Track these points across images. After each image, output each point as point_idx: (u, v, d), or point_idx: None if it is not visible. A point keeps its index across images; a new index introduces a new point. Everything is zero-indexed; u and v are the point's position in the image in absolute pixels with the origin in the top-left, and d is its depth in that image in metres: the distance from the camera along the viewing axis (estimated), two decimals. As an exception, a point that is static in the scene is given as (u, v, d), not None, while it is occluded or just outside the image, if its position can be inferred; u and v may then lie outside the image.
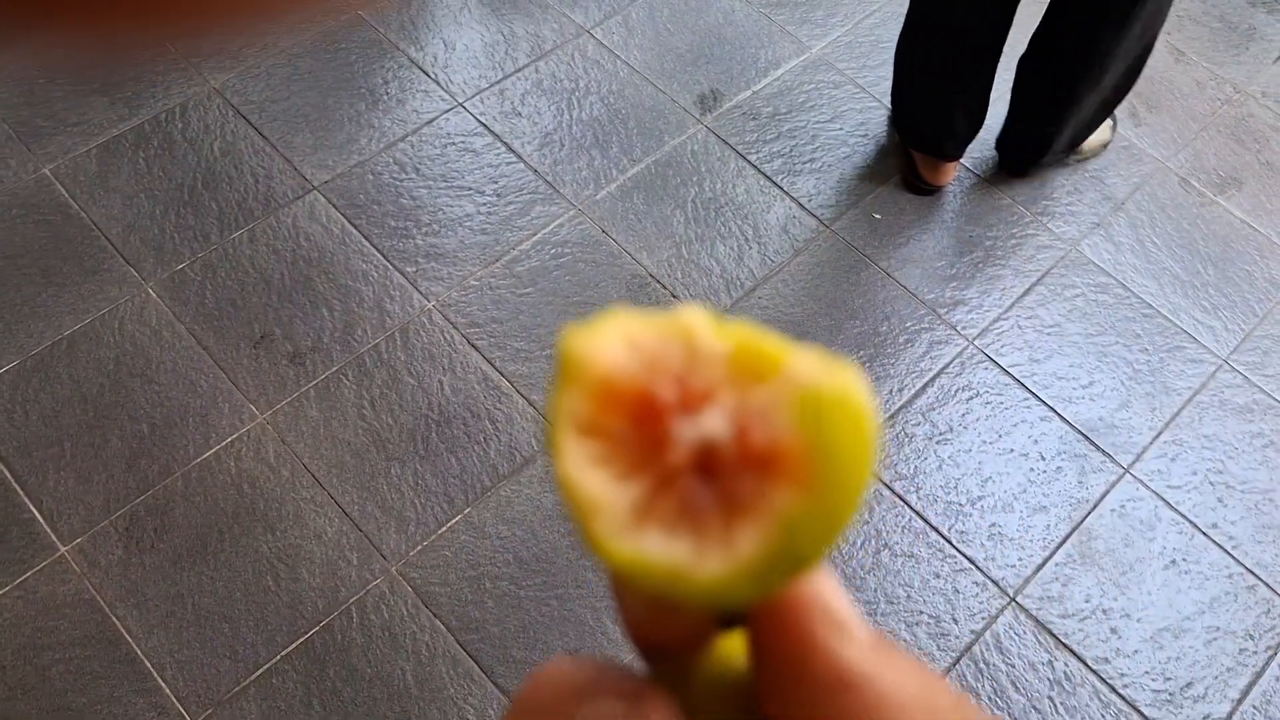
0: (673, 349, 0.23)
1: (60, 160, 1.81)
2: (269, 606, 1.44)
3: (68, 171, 1.80)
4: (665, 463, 0.22)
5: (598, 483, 0.22)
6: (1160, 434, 1.72)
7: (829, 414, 0.21)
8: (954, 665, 1.49)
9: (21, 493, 1.49)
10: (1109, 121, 1.98)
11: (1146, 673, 1.50)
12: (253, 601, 1.43)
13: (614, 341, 0.24)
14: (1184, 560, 1.60)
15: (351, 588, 1.46)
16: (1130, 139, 2.06)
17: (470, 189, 1.85)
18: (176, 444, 1.55)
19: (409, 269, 1.75)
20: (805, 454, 0.21)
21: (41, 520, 1.47)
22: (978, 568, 1.56)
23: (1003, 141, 1.94)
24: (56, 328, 1.64)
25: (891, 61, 2.09)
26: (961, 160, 1.95)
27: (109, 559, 1.44)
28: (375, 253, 1.76)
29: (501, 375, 1.66)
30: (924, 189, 1.91)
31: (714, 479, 0.21)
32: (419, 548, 1.50)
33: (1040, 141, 1.87)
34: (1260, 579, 1.59)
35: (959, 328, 1.79)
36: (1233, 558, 1.61)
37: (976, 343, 1.77)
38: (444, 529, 1.52)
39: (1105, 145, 2.01)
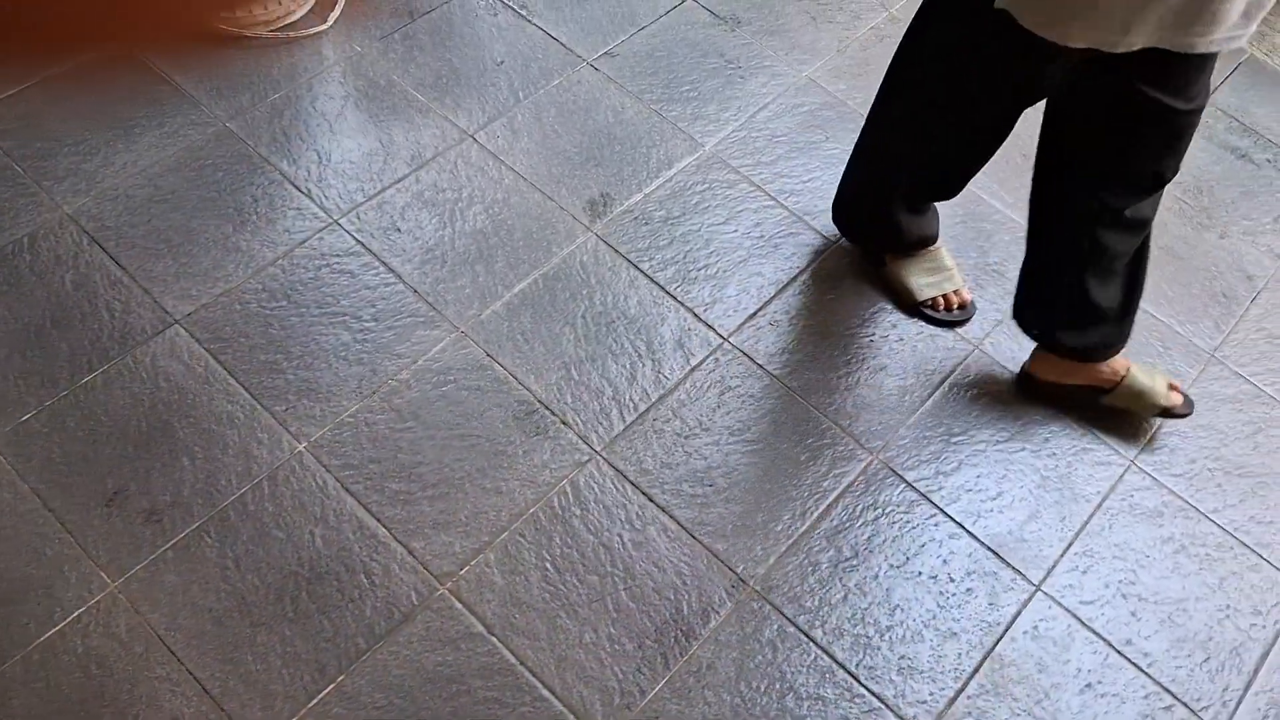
0: None
1: (-106, 303, 1.68)
2: (118, 806, 1.31)
3: (-98, 315, 1.67)
4: None
5: None
6: (1071, 545, 1.66)
7: None
8: (866, 817, 1.41)
9: None
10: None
11: (1066, 811, 1.43)
12: (100, 802, 1.31)
13: None
14: (1100, 683, 1.54)
15: (212, 777, 1.33)
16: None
17: (346, 315, 1.75)
18: (16, 623, 1.41)
19: (279, 408, 1.64)
20: None
21: None
22: (888, 707, 1.49)
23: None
24: (-116, 495, 1.50)
25: (788, 157, 2.05)
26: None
27: (-64, 764, 1.31)
28: (242, 391, 1.65)
29: (378, 522, 1.55)
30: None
31: None
32: (287, 725, 1.38)
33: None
34: (1177, 698, 1.54)
35: (863, 441, 1.72)
36: (1149, 676, 1.55)
37: (881, 457, 1.71)
38: (314, 702, 1.40)
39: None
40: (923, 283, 1.86)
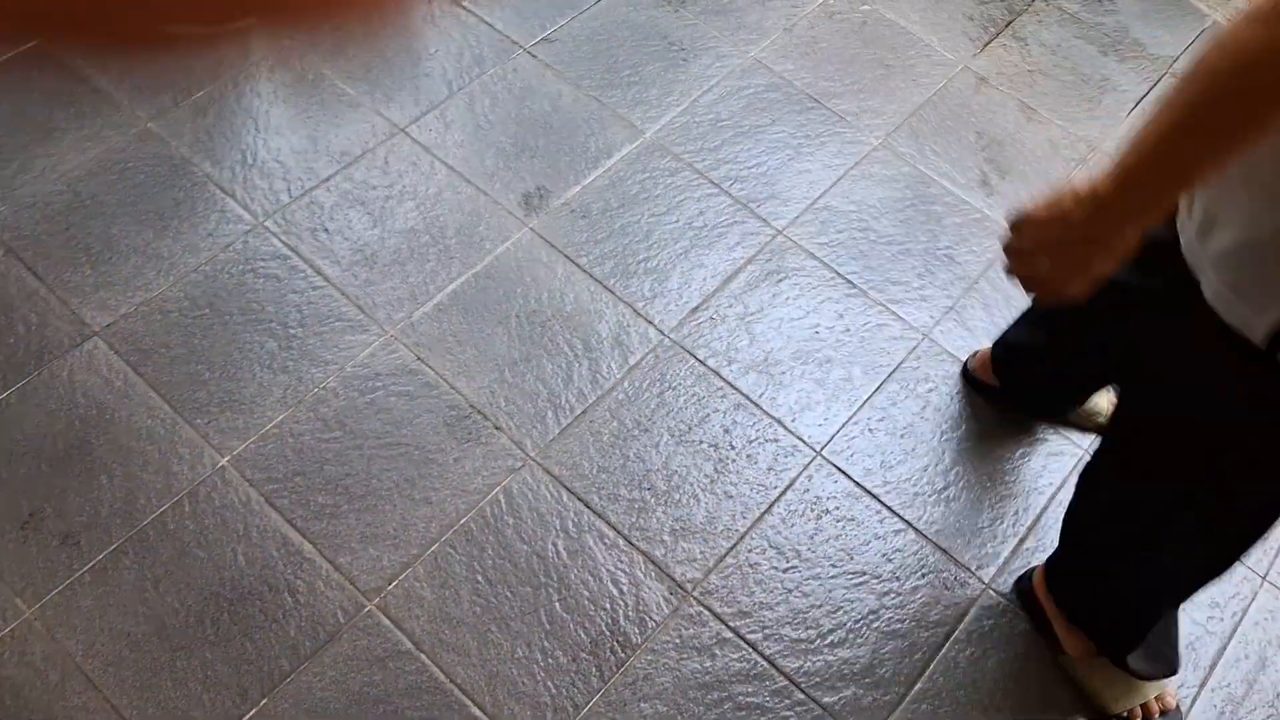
0: None
1: None
2: (31, 843, 1.27)
3: None
4: None
5: None
6: (1024, 540, 1.62)
7: None
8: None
9: None
10: None
11: None
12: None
13: None
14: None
15: (128, 810, 1.30)
16: (982, 209, 1.96)
17: (271, 321, 1.69)
18: (-74, 655, 1.37)
19: (200, 421, 1.59)
20: None
21: None
22: (830, 714, 1.45)
23: None
24: None
25: (733, 142, 1.99)
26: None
27: None
28: (163, 404, 1.60)
29: (304, 537, 1.51)
30: None
31: None
32: (208, 752, 1.34)
33: None
34: (1129, 695, 1.50)
35: (806, 438, 1.67)
36: (1100, 673, 1.52)
37: (824, 452, 1.66)
38: (236, 728, 1.36)
39: None
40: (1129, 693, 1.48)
